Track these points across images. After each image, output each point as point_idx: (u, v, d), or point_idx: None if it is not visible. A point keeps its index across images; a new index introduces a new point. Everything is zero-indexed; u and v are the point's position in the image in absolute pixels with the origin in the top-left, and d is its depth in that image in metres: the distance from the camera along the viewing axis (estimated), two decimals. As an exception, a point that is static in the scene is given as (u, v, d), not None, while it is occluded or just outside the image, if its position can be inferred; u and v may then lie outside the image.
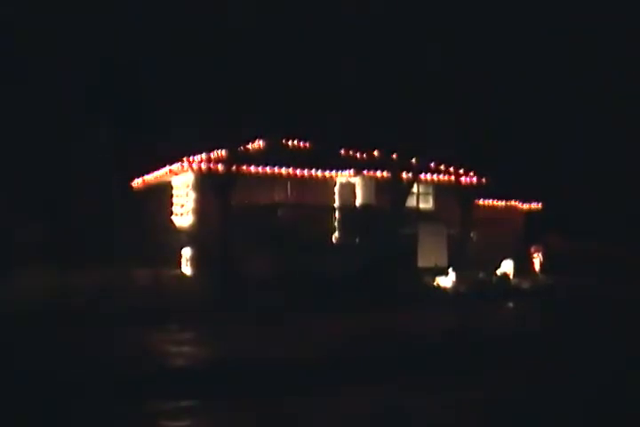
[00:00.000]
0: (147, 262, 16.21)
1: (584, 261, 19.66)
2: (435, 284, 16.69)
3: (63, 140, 20.99)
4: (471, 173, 20.65)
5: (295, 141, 18.97)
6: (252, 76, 16.54)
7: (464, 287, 16.45)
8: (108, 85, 19.10)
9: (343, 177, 19.57)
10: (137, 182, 21.54)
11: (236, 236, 15.97)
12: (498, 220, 21.25)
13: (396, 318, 12.56)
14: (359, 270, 15.69)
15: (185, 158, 17.44)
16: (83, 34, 18.76)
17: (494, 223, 20.67)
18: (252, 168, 17.77)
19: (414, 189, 19.84)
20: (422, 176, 19.71)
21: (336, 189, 19.61)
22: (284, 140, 18.80)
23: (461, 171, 20.50)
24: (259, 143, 18.31)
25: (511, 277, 18.40)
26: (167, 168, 18.51)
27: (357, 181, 19.66)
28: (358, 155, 19.50)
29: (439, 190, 20.95)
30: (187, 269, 17.86)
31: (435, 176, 20.48)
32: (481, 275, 17.69)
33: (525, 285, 17.74)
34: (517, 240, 21.62)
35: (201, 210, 17.54)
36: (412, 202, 20.06)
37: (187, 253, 18.00)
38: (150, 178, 20.41)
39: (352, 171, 19.34)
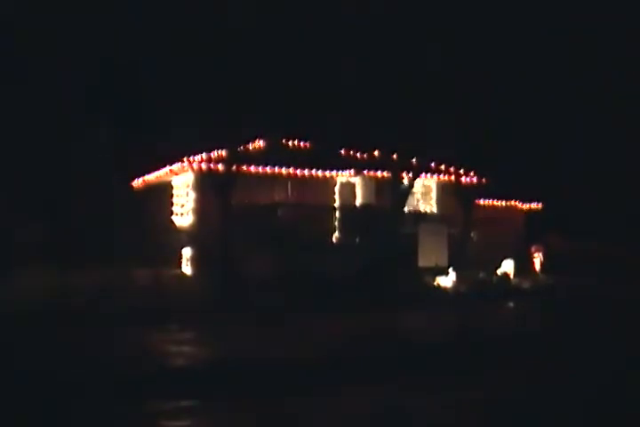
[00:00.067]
0: (147, 262, 16.21)
1: (584, 261, 19.67)
2: (435, 284, 16.70)
3: (63, 140, 20.97)
4: (471, 173, 20.64)
5: (295, 141, 18.96)
6: (252, 76, 16.53)
7: (464, 287, 16.46)
8: (107, 85, 19.11)
9: (343, 177, 19.57)
10: (137, 182, 21.54)
11: (236, 236, 15.97)
12: (498, 220, 21.24)
13: (396, 318, 12.57)
14: (359, 270, 15.70)
15: (185, 158, 17.44)
16: (83, 34, 18.75)
17: (494, 223, 20.67)
18: (252, 168, 17.77)
19: (414, 189, 19.85)
20: (422, 176, 19.71)
21: (336, 189, 19.62)
22: (284, 140, 18.79)
23: (461, 171, 20.50)
24: (259, 143, 18.30)
25: (511, 276, 18.41)
26: (167, 168, 18.51)
27: (357, 181, 19.67)
28: (358, 155, 19.49)
29: (439, 190, 20.96)
30: (187, 269, 17.86)
31: (435, 176, 20.48)
32: (481, 275, 17.70)
33: (526, 284, 17.74)
34: (518, 240, 21.62)
35: (201, 210, 17.54)
36: (412, 202, 20.07)
37: (187, 253, 18.00)
38: (150, 178, 20.41)
39: (352, 171, 19.34)
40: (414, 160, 18.86)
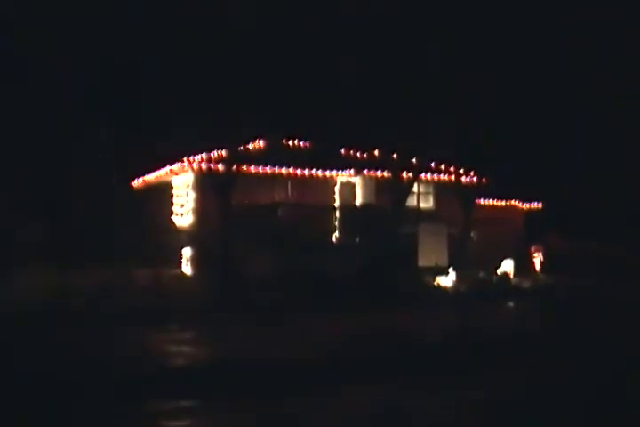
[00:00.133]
0: (147, 262, 16.21)
1: (584, 261, 19.66)
2: (435, 283, 16.70)
3: (63, 140, 20.98)
4: (471, 173, 20.64)
5: (295, 141, 18.96)
6: (252, 76, 16.54)
7: (464, 287, 16.46)
8: (107, 85, 19.12)
9: (343, 177, 19.57)
10: (137, 182, 21.54)
11: (236, 236, 15.97)
12: (498, 219, 21.24)
13: (396, 318, 12.56)
14: (359, 270, 15.70)
15: (185, 158, 17.44)
16: (83, 34, 18.77)
17: (494, 223, 20.67)
18: (252, 168, 17.76)
19: (414, 189, 19.85)
20: (422, 176, 19.71)
21: (336, 189, 19.62)
22: (284, 140, 18.79)
23: (461, 171, 20.50)
24: (259, 143, 18.30)
25: (511, 276, 18.41)
26: (167, 168, 18.51)
27: (358, 180, 19.67)
28: (358, 155, 19.49)
29: (439, 190, 20.94)
30: (187, 269, 17.86)
31: (435, 176, 20.48)
32: (481, 274, 17.70)
33: (525, 284, 17.74)
34: (517, 240, 21.62)
35: (201, 210, 17.54)
36: (412, 202, 20.06)
37: (187, 253, 17.99)
38: (150, 178, 20.41)
39: (352, 171, 19.34)
40: (414, 160, 18.86)
